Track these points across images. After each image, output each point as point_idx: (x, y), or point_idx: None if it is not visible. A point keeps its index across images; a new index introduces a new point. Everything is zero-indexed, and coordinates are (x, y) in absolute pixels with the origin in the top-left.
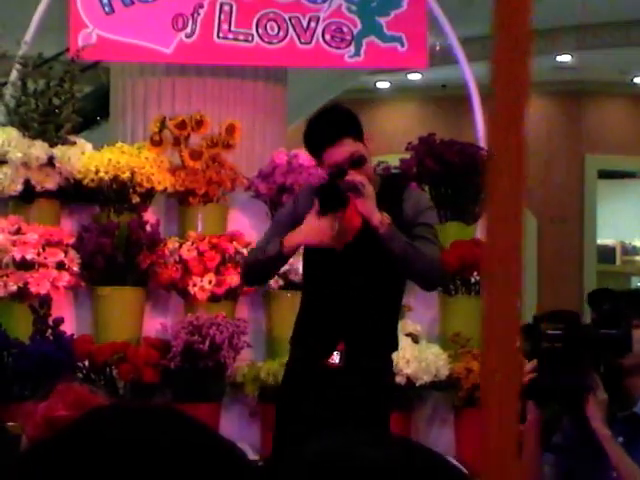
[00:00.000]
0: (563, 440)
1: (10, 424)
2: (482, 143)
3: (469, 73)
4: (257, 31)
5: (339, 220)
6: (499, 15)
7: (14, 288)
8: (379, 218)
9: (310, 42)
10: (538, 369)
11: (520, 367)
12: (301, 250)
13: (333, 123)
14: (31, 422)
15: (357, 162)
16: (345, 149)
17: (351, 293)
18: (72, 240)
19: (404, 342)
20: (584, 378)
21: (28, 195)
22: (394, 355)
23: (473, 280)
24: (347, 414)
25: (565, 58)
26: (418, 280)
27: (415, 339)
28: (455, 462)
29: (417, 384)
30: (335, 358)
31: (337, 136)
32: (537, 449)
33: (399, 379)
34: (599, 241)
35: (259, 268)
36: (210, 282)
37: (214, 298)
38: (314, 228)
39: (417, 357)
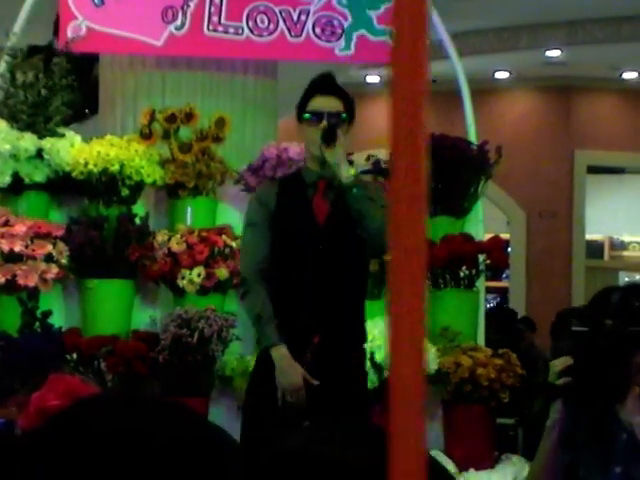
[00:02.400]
0: (561, 435)
1: (8, 410)
2: (472, 138)
3: (460, 68)
4: (247, 24)
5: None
6: None
7: (2, 281)
8: (345, 169)
9: (300, 35)
10: (571, 369)
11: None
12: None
13: (334, 82)
14: (24, 413)
15: (338, 118)
16: (331, 102)
17: (324, 286)
18: (61, 232)
19: None
20: (628, 371)
21: (16, 187)
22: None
23: (462, 274)
24: (330, 408)
25: (555, 53)
26: (374, 239)
27: None
28: (444, 456)
29: None
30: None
31: (333, 91)
32: (556, 448)
33: (387, 373)
34: (588, 236)
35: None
36: (199, 275)
37: (203, 291)
38: (290, 371)
39: None
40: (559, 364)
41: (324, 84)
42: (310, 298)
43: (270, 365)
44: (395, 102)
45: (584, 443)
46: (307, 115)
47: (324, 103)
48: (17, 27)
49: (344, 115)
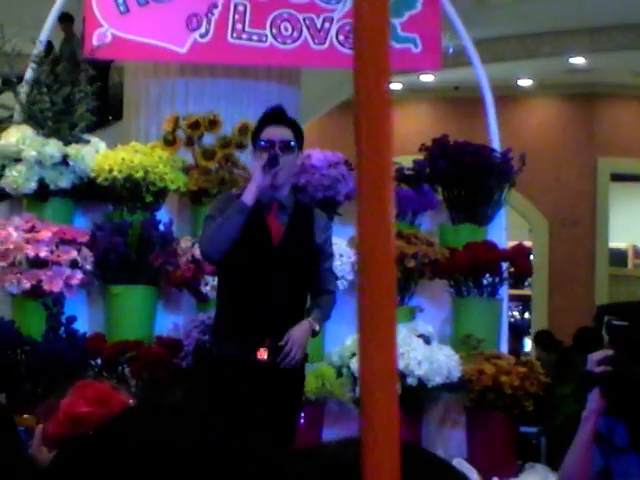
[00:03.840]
0: (596, 429)
1: (25, 416)
2: (495, 145)
3: (483, 74)
4: (271, 31)
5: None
6: (357, 30)
7: (27, 286)
8: (308, 331)
9: (324, 43)
10: (609, 360)
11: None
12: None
13: (284, 113)
14: (53, 419)
15: (287, 146)
16: (281, 131)
17: (275, 291)
18: (85, 238)
19: (415, 343)
20: None
21: (42, 193)
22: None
23: (485, 282)
24: (277, 408)
25: (578, 60)
26: None
27: (427, 340)
28: (467, 464)
29: (429, 385)
30: (263, 354)
31: (281, 121)
32: (591, 439)
33: (411, 380)
34: (611, 244)
35: (223, 232)
36: None
37: None
38: (261, 176)
39: (428, 358)
40: (598, 354)
41: (275, 115)
42: (263, 310)
43: (223, 367)
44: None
45: (621, 450)
46: (261, 143)
47: (276, 132)
48: (43, 35)
49: (293, 143)
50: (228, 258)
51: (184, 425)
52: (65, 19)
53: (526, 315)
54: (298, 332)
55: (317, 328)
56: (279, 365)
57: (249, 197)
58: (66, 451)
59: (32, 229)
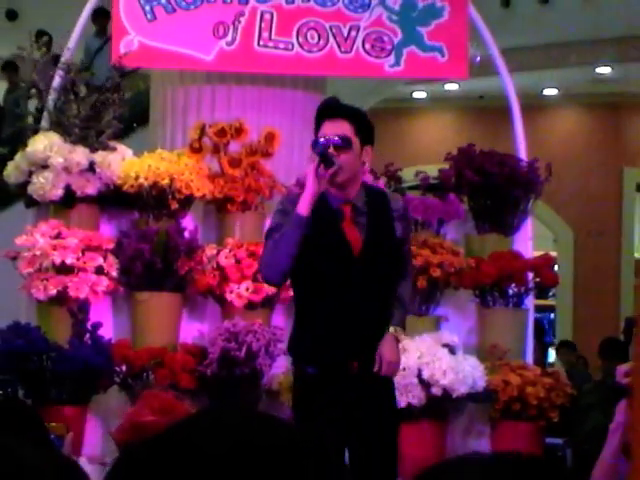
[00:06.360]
0: (625, 452)
1: (53, 425)
2: (521, 154)
3: (510, 84)
4: (297, 40)
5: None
6: None
7: (54, 292)
8: (395, 344)
9: (350, 51)
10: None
11: None
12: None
13: (342, 105)
14: (118, 427)
15: (344, 141)
16: (338, 127)
17: (361, 304)
18: (111, 245)
19: (440, 353)
20: None
21: (69, 200)
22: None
23: (511, 292)
24: (374, 421)
25: (605, 70)
26: None
27: (452, 350)
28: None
29: (453, 395)
30: (353, 368)
31: (337, 114)
32: (619, 451)
33: (435, 390)
34: (637, 254)
35: (280, 252)
36: (247, 289)
37: (251, 305)
38: (314, 182)
39: (454, 368)
40: (626, 366)
41: (329, 108)
42: (350, 325)
43: (309, 382)
44: None
45: None
46: (316, 142)
47: (330, 128)
48: (71, 42)
49: (351, 137)
50: (307, 273)
51: (259, 428)
52: (8, 68)
53: None
54: (387, 351)
55: (402, 336)
56: (368, 376)
57: (304, 207)
58: (130, 453)
59: (58, 235)
